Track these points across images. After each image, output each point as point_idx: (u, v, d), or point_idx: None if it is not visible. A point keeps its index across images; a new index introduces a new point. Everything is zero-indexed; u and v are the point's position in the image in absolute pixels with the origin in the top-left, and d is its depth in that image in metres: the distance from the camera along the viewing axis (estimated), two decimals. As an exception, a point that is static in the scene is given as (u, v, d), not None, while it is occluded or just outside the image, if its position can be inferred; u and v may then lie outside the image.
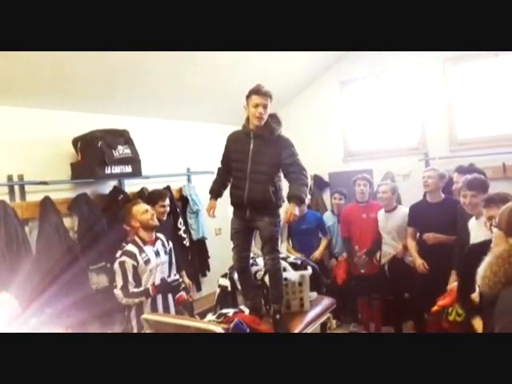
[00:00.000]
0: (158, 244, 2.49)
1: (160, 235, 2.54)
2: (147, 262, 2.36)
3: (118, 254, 2.35)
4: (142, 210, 2.43)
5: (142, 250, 2.37)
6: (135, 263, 2.31)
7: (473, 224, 2.40)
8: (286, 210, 2.22)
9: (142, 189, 3.15)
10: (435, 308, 2.48)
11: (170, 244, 2.61)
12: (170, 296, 2.49)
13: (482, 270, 1.37)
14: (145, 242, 2.41)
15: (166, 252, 2.52)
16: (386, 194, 3.25)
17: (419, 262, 2.90)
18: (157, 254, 2.44)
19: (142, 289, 2.32)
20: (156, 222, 2.45)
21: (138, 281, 2.33)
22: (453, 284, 2.46)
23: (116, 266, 2.33)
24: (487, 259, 1.38)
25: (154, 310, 2.35)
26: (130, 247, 2.36)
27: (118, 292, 2.30)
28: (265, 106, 2.20)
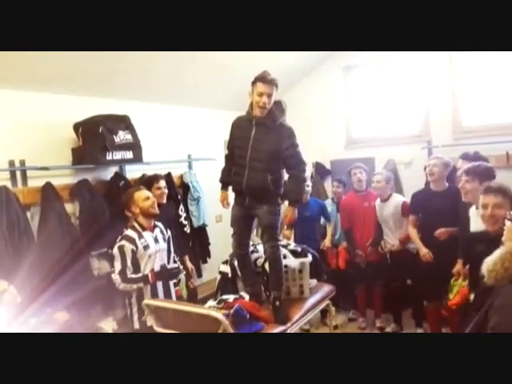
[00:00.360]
0: (157, 231, 2.48)
1: (158, 223, 2.53)
2: (146, 247, 2.36)
3: (118, 239, 2.36)
4: (143, 196, 2.42)
5: (140, 236, 2.37)
6: (134, 248, 2.31)
7: (472, 212, 2.39)
8: (285, 213, 2.27)
9: (143, 175, 3.14)
10: (450, 306, 2.46)
11: (169, 232, 2.61)
12: (171, 283, 2.49)
13: (491, 263, 1.33)
14: (143, 228, 2.41)
15: (164, 239, 2.51)
16: (379, 184, 3.24)
17: (424, 252, 2.86)
18: (156, 240, 2.43)
19: (140, 275, 2.31)
20: (156, 211, 2.45)
21: (136, 266, 2.33)
22: (463, 283, 2.44)
23: (115, 250, 2.33)
24: (498, 253, 1.34)
25: (155, 296, 2.37)
26: (129, 232, 2.37)
27: (115, 277, 2.29)
28: (269, 95, 2.17)
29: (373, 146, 4.21)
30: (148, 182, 2.91)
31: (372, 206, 3.38)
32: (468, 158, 2.76)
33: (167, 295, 2.45)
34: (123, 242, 2.31)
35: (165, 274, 2.40)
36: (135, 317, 2.35)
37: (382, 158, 4.08)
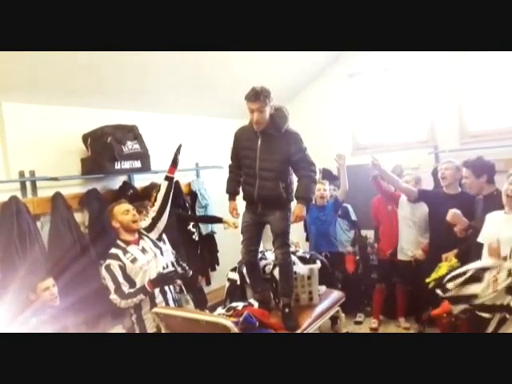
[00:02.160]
0: (143, 242, 2.38)
1: (143, 233, 2.44)
2: (134, 260, 2.26)
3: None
4: (122, 210, 2.30)
5: (125, 251, 2.28)
6: (121, 263, 2.23)
7: (498, 217, 2.25)
8: (294, 211, 2.25)
9: (151, 184, 3.17)
10: (434, 313, 2.47)
11: (153, 235, 2.50)
12: (167, 291, 2.39)
13: None
14: (127, 243, 2.32)
15: (155, 245, 2.42)
16: (409, 184, 3.24)
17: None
18: (143, 251, 2.34)
19: (138, 287, 2.23)
20: (137, 225, 2.35)
21: (131, 282, 2.25)
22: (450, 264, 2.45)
23: (103, 271, 2.25)
24: None
25: (153, 302, 2.28)
26: (113, 250, 2.29)
27: (113, 297, 2.19)
28: (260, 111, 2.15)
29: (379, 152, 4.17)
30: (147, 191, 2.93)
31: (395, 210, 3.38)
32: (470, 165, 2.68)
33: (165, 299, 2.36)
34: (108, 261, 2.24)
35: (161, 280, 2.32)
36: (135, 325, 2.29)
37: (389, 163, 4.06)
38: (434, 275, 2.49)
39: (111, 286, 2.22)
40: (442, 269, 2.49)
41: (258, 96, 2.12)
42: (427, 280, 2.50)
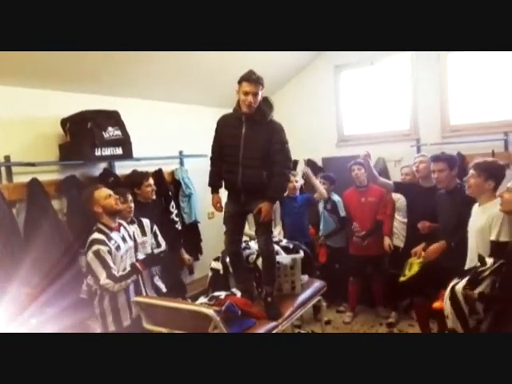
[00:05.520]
0: (123, 230, 2.38)
1: (122, 222, 2.42)
2: (118, 248, 2.25)
3: (87, 245, 2.20)
4: (104, 194, 2.29)
5: (109, 237, 2.24)
6: (109, 249, 2.19)
7: (475, 210, 2.35)
8: (261, 207, 2.20)
9: (134, 171, 3.10)
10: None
11: (154, 227, 2.57)
12: (140, 281, 2.40)
13: None
14: (111, 229, 2.29)
15: (130, 237, 2.41)
16: (408, 177, 3.31)
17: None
18: (123, 239, 2.34)
19: (129, 268, 2.23)
20: (120, 207, 2.34)
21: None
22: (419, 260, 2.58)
23: (90, 256, 2.15)
24: None
25: (127, 294, 2.28)
26: (97, 235, 2.22)
27: (106, 282, 2.12)
28: (255, 94, 2.16)
29: (364, 144, 4.22)
30: (137, 180, 2.87)
31: (369, 202, 3.44)
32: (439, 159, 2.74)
33: (137, 292, 2.35)
34: (97, 246, 2.16)
35: (152, 260, 2.32)
36: (109, 319, 2.26)
37: (373, 155, 4.09)
38: (408, 273, 2.57)
39: (101, 272, 2.14)
40: (414, 266, 2.57)
41: (258, 79, 2.17)
42: (401, 279, 2.60)
